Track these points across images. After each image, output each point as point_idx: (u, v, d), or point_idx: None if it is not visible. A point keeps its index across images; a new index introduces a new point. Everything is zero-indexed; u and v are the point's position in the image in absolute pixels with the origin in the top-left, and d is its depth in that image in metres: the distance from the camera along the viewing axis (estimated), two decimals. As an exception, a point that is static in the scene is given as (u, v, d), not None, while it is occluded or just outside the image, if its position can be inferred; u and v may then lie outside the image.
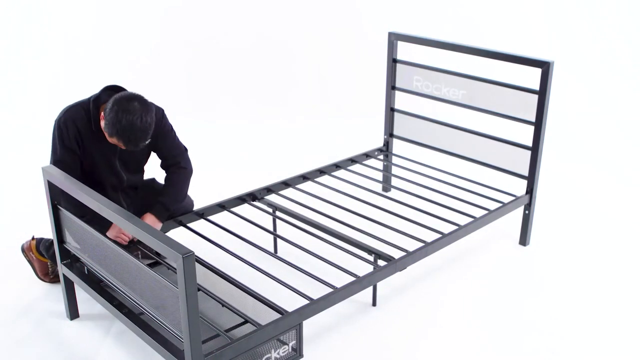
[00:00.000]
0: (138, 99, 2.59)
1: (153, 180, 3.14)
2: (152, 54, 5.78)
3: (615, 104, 5.64)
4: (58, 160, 2.72)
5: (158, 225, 2.88)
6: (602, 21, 6.15)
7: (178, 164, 2.98)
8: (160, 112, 2.91)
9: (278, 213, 3.59)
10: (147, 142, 2.63)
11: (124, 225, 2.15)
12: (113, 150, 2.80)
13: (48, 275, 3.07)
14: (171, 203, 2.93)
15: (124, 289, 2.38)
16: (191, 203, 3.20)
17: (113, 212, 2.18)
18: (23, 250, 3.06)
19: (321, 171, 3.65)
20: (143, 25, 5.82)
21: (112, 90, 2.75)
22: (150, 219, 2.85)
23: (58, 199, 2.58)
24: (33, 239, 3.07)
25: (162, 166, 3.02)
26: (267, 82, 5.60)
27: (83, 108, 2.72)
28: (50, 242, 3.00)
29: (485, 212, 3.22)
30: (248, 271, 2.97)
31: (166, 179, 2.98)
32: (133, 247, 2.83)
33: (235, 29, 5.88)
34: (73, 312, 2.80)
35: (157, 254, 2.82)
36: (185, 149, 3.04)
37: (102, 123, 2.62)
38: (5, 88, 5.53)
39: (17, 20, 5.74)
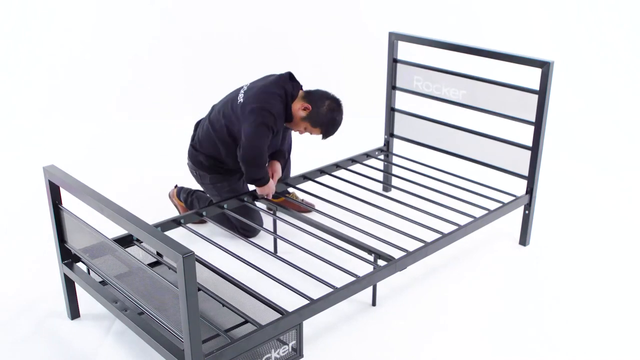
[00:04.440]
0: (339, 102, 3.25)
1: None
2: (151, 53, 5.78)
3: (615, 104, 5.64)
4: (262, 135, 3.14)
5: (279, 168, 3.43)
6: (602, 21, 6.15)
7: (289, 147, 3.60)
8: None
9: (278, 213, 3.59)
10: None
11: (123, 224, 2.15)
12: (280, 130, 3.31)
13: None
14: (286, 153, 3.54)
15: (124, 288, 2.39)
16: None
17: (113, 212, 2.18)
18: (170, 196, 3.70)
19: (321, 171, 3.65)
20: (142, 24, 5.82)
21: (293, 81, 3.28)
22: (276, 164, 3.42)
23: (59, 198, 2.58)
24: (175, 187, 3.68)
25: None
26: (268, 81, 5.60)
27: (281, 98, 3.19)
28: (187, 192, 3.58)
29: (485, 212, 3.22)
30: (248, 271, 2.98)
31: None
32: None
33: (235, 29, 5.88)
34: (74, 312, 2.80)
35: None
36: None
37: (302, 113, 3.20)
38: (5, 88, 5.53)
39: (16, 20, 5.74)
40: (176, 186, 3.70)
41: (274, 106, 3.15)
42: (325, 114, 3.19)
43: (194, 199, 3.55)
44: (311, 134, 3.30)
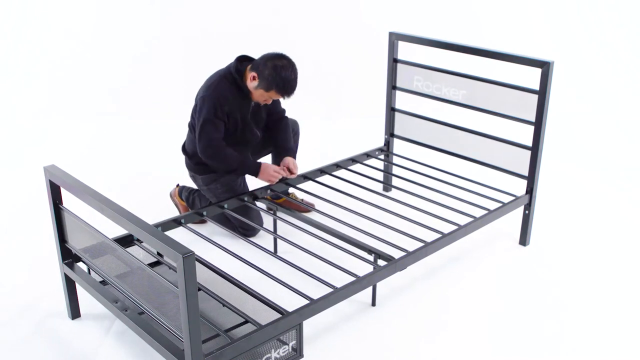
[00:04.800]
0: (284, 56, 3.13)
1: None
2: (151, 53, 5.78)
3: (615, 104, 5.64)
4: (212, 127, 3.16)
5: (292, 162, 3.42)
6: (602, 21, 6.15)
7: (282, 114, 3.53)
8: None
9: (278, 213, 3.59)
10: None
11: (124, 224, 2.15)
12: (246, 110, 3.27)
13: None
14: (293, 145, 3.56)
15: (124, 288, 2.39)
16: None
17: (113, 212, 2.18)
18: (171, 195, 3.69)
19: (322, 171, 3.65)
20: (142, 24, 5.81)
21: (244, 60, 3.24)
22: (291, 160, 3.43)
23: (59, 198, 2.59)
24: (177, 186, 3.69)
25: (269, 122, 3.50)
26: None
27: (227, 79, 3.19)
28: (189, 190, 3.60)
29: (485, 212, 3.23)
30: (248, 271, 2.98)
31: (276, 130, 3.50)
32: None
33: (236, 28, 5.88)
34: (74, 312, 2.80)
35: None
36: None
37: (253, 83, 3.14)
38: (5, 88, 5.54)
39: (15, 20, 5.74)
40: (178, 185, 3.72)
41: (215, 90, 3.17)
42: (272, 74, 3.08)
43: (195, 198, 3.56)
44: (272, 99, 3.24)
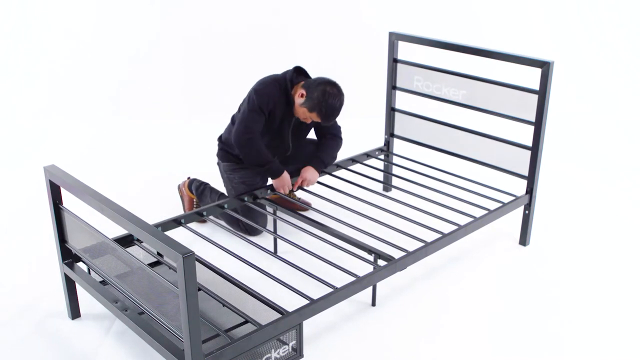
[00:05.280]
0: (336, 85, 3.26)
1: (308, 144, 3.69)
2: (151, 53, 5.78)
3: (615, 104, 5.64)
4: (252, 117, 3.28)
5: (316, 176, 3.49)
6: (602, 21, 6.15)
7: (335, 134, 3.61)
8: None
9: (278, 213, 3.59)
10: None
11: (124, 224, 2.15)
12: (286, 119, 3.39)
13: (192, 210, 3.54)
14: (327, 160, 3.56)
15: (124, 288, 2.39)
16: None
17: (113, 212, 2.18)
18: (179, 187, 3.71)
19: (322, 171, 3.65)
20: (142, 24, 5.82)
21: (299, 73, 3.37)
22: (310, 171, 3.48)
23: (59, 198, 2.59)
24: (188, 178, 3.71)
25: (319, 134, 3.63)
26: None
27: (279, 84, 3.32)
28: (200, 182, 3.63)
29: (485, 212, 3.23)
30: (248, 271, 2.98)
31: (323, 142, 3.59)
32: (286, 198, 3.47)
33: (236, 28, 5.88)
34: (74, 312, 2.80)
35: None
36: (339, 126, 3.65)
37: (300, 100, 3.27)
38: (5, 88, 5.54)
39: (15, 19, 5.74)
40: (189, 178, 3.74)
41: (267, 87, 3.30)
42: (320, 99, 3.19)
43: (205, 189, 3.60)
44: (313, 120, 3.33)
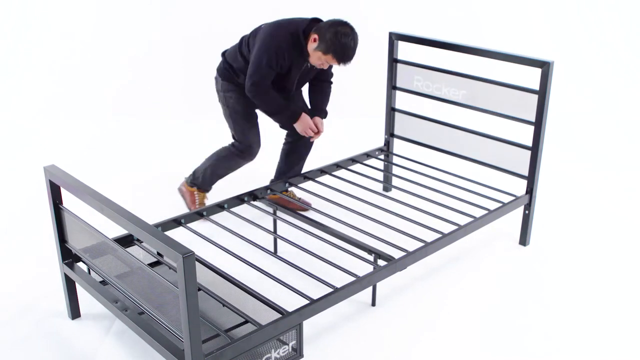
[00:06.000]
0: (347, 24, 3.22)
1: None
2: (151, 53, 5.78)
3: (615, 104, 5.64)
4: (263, 73, 3.27)
5: (321, 122, 3.53)
6: (602, 21, 6.15)
7: (328, 80, 3.64)
8: None
9: (278, 213, 3.59)
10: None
11: (124, 224, 2.15)
12: (298, 68, 3.37)
13: (195, 203, 3.67)
14: (326, 107, 3.61)
15: (124, 288, 2.39)
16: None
17: (113, 212, 2.18)
18: (179, 189, 3.76)
19: (322, 171, 3.66)
20: (142, 24, 5.82)
21: (315, 21, 3.33)
22: (320, 120, 3.53)
23: (59, 198, 2.59)
24: (185, 178, 3.76)
25: (314, 81, 3.62)
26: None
27: (290, 33, 3.28)
28: (197, 170, 3.66)
29: (485, 212, 3.23)
30: (248, 271, 2.98)
31: (318, 90, 3.62)
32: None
33: (236, 28, 5.88)
34: (74, 312, 2.81)
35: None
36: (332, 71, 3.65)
37: (313, 45, 3.23)
38: (5, 88, 5.54)
39: (15, 19, 5.75)
40: (185, 177, 3.78)
41: (280, 41, 3.25)
42: (333, 39, 3.15)
43: (207, 169, 3.62)
44: (328, 63, 3.29)
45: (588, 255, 3.40)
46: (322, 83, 3.62)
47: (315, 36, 3.22)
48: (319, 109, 3.59)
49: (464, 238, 3.30)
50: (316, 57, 3.27)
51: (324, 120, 3.59)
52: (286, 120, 3.46)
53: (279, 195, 3.58)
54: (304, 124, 3.44)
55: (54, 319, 2.82)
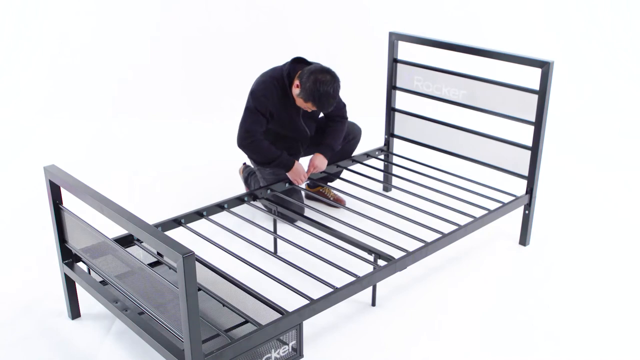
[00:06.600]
0: (329, 71, 3.23)
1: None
2: (151, 53, 5.79)
3: (615, 104, 5.64)
4: (254, 118, 3.35)
5: (325, 162, 3.55)
6: (602, 21, 6.15)
7: (341, 116, 3.63)
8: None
9: (278, 213, 3.59)
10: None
11: (124, 224, 2.15)
12: (294, 111, 3.42)
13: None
14: (335, 144, 3.60)
15: (124, 288, 2.39)
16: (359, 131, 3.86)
17: (113, 212, 2.18)
18: (240, 171, 3.94)
19: (322, 171, 3.65)
20: (142, 24, 5.82)
21: (298, 62, 3.35)
22: (319, 158, 3.54)
23: (59, 198, 2.59)
24: (244, 164, 3.93)
25: (326, 117, 3.64)
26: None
27: (276, 80, 3.34)
28: (248, 171, 3.79)
29: (485, 212, 3.23)
30: (248, 271, 2.98)
31: (330, 126, 3.62)
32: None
33: (236, 28, 5.88)
34: (74, 312, 2.81)
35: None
36: (344, 104, 3.64)
37: (296, 91, 3.27)
38: (5, 88, 5.54)
39: (14, 19, 5.75)
40: (244, 164, 3.92)
41: (263, 88, 3.33)
42: (312, 88, 3.19)
43: (251, 179, 3.75)
44: (310, 110, 3.35)
45: (588, 255, 3.40)
46: (334, 118, 3.63)
47: (297, 82, 3.28)
48: (324, 144, 3.60)
49: (464, 238, 3.30)
50: (299, 102, 3.33)
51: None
52: (280, 169, 3.49)
53: (319, 189, 3.77)
54: (295, 173, 3.48)
55: (54, 319, 2.82)
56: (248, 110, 3.36)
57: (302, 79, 3.24)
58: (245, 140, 3.38)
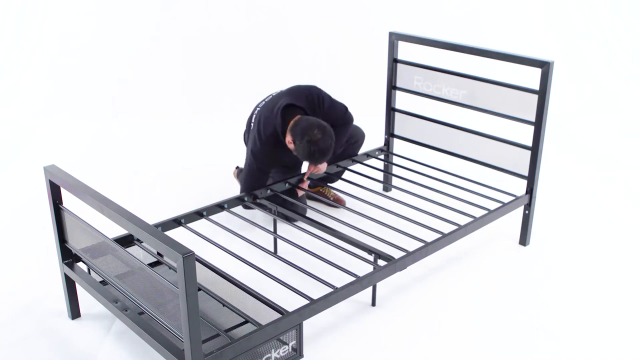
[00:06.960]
0: (319, 126, 3.16)
1: None
2: (151, 52, 5.78)
3: (615, 104, 5.64)
4: (257, 177, 3.40)
5: (325, 165, 3.54)
6: (602, 21, 6.15)
7: (343, 123, 3.58)
8: (317, 96, 3.42)
9: (278, 213, 3.59)
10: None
11: (124, 224, 2.15)
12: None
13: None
14: (336, 147, 3.51)
15: (124, 288, 2.39)
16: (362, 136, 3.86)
17: (113, 212, 2.18)
18: (235, 175, 3.98)
19: (322, 172, 3.65)
20: (142, 24, 5.82)
21: (287, 110, 3.28)
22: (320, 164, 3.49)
23: (59, 198, 2.59)
24: (237, 167, 3.97)
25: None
26: (268, 81, 5.60)
27: (273, 137, 3.33)
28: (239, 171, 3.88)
29: (485, 212, 3.23)
30: (248, 271, 2.98)
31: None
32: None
33: (236, 29, 5.88)
34: (74, 312, 2.81)
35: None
36: (346, 108, 3.58)
37: (291, 146, 3.25)
38: (5, 88, 5.54)
39: (14, 19, 5.74)
40: (237, 167, 3.96)
41: (263, 147, 3.35)
42: (306, 148, 3.17)
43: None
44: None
45: (588, 255, 3.40)
46: (335, 124, 3.58)
47: (290, 139, 3.26)
48: None
49: (464, 238, 3.30)
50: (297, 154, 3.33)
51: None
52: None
53: (319, 189, 3.78)
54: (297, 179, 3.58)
55: (54, 319, 2.82)
56: (250, 169, 3.39)
57: (295, 140, 3.20)
58: (250, 191, 3.39)
